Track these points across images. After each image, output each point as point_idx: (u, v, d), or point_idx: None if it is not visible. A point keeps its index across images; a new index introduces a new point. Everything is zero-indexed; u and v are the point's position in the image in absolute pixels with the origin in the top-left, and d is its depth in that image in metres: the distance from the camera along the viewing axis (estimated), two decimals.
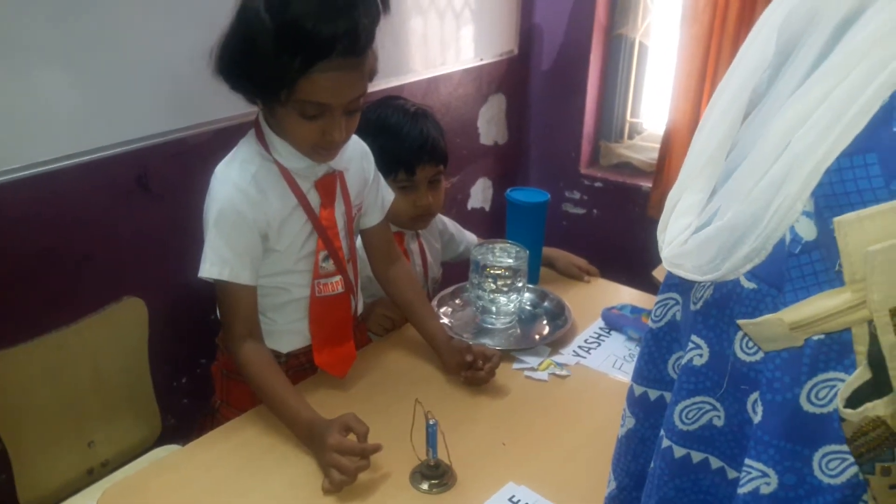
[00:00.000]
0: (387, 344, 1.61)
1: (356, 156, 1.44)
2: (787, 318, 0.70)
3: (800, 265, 0.72)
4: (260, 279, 1.36)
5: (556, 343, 1.59)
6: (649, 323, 0.97)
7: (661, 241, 0.88)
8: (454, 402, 1.41)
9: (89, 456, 1.64)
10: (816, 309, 0.69)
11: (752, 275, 0.77)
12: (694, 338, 0.84)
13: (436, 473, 1.21)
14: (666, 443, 0.89)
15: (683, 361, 0.86)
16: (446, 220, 1.93)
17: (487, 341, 1.58)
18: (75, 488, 1.60)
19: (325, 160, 1.33)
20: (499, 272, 1.60)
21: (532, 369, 1.51)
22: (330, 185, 1.37)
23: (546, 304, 1.74)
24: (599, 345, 1.62)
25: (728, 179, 0.80)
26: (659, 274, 1.94)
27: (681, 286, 0.91)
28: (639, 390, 0.99)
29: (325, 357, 1.42)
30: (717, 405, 0.84)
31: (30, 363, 1.50)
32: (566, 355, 1.57)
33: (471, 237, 1.97)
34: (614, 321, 1.66)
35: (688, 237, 0.84)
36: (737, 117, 0.82)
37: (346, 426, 1.21)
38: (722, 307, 0.81)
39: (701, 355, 0.84)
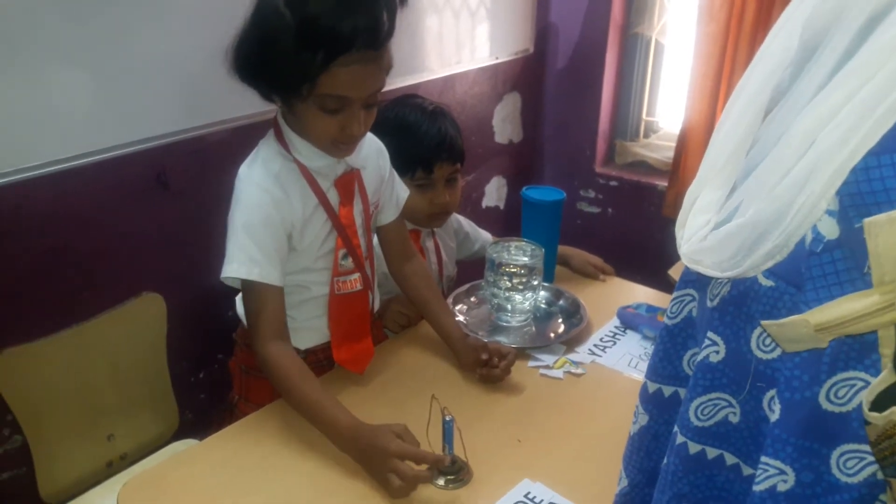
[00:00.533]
0: (402, 340, 1.62)
1: (372, 153, 1.45)
2: (813, 320, 0.70)
3: (821, 264, 0.72)
4: None
5: (571, 341, 1.59)
6: (664, 319, 0.97)
7: (680, 236, 0.88)
8: (470, 398, 1.42)
9: (108, 449, 1.66)
10: (843, 311, 0.68)
11: (770, 273, 0.77)
12: (710, 334, 0.85)
13: (452, 469, 1.22)
14: (681, 439, 0.89)
15: (699, 358, 0.86)
16: (461, 218, 1.94)
17: (503, 339, 1.59)
18: (95, 481, 1.63)
19: (344, 155, 1.34)
20: (514, 270, 1.60)
21: (547, 367, 1.52)
22: (349, 184, 1.38)
23: (561, 302, 1.74)
24: (615, 343, 1.62)
25: (749, 176, 0.80)
26: (675, 273, 1.94)
27: (698, 282, 0.91)
28: (653, 387, 0.99)
29: (343, 354, 1.43)
30: (733, 402, 0.84)
31: (49, 358, 1.52)
32: (581, 354, 1.57)
33: (486, 236, 1.98)
34: (630, 320, 1.67)
35: (707, 233, 0.85)
36: (758, 114, 0.82)
37: (399, 433, 1.19)
38: (739, 304, 0.81)
39: (717, 352, 0.84)
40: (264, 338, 1.31)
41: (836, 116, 0.69)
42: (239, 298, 1.50)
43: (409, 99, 1.71)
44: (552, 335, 1.64)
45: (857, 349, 0.71)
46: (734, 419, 0.85)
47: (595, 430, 1.35)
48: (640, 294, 1.84)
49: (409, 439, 1.19)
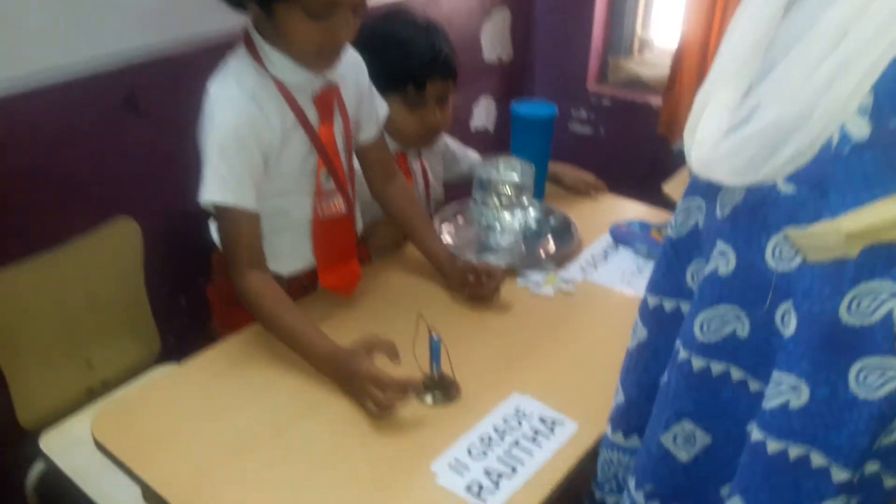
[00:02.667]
0: (388, 263, 1.57)
1: (350, 68, 1.36)
2: (845, 228, 0.65)
3: (847, 167, 0.66)
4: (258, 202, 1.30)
5: (561, 260, 1.55)
6: (668, 231, 0.92)
7: (690, 143, 0.82)
8: (458, 318, 1.38)
9: (88, 376, 1.62)
10: (878, 217, 0.64)
11: (792, 178, 0.71)
12: (720, 244, 0.79)
13: (439, 386, 1.18)
14: (683, 355, 0.85)
15: (707, 270, 0.81)
16: (448, 138, 1.86)
17: (491, 259, 1.54)
18: (75, 407, 1.59)
19: (327, 66, 1.25)
20: (503, 189, 1.54)
21: (538, 285, 1.47)
22: (328, 101, 1.30)
23: (552, 220, 1.69)
24: (606, 260, 1.57)
25: (766, 77, 0.73)
26: (670, 189, 1.88)
27: (706, 191, 0.86)
28: (653, 301, 0.95)
29: (330, 278, 1.38)
30: (742, 314, 0.80)
31: (22, 283, 1.47)
32: (572, 271, 1.53)
33: (474, 156, 1.91)
34: (622, 237, 1.62)
35: (720, 139, 0.78)
36: (777, 9, 0.75)
37: (369, 347, 1.17)
38: (754, 213, 0.76)
39: (727, 263, 0.79)
40: (241, 266, 1.26)
41: (871, 6, 0.62)
42: (212, 223, 1.44)
43: (399, 14, 1.61)
44: (542, 254, 1.59)
45: (884, 257, 0.66)
46: (742, 333, 0.81)
47: (586, 345, 1.31)
48: (633, 211, 1.78)
49: (382, 346, 1.16)
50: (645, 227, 1.62)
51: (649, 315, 0.95)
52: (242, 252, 1.25)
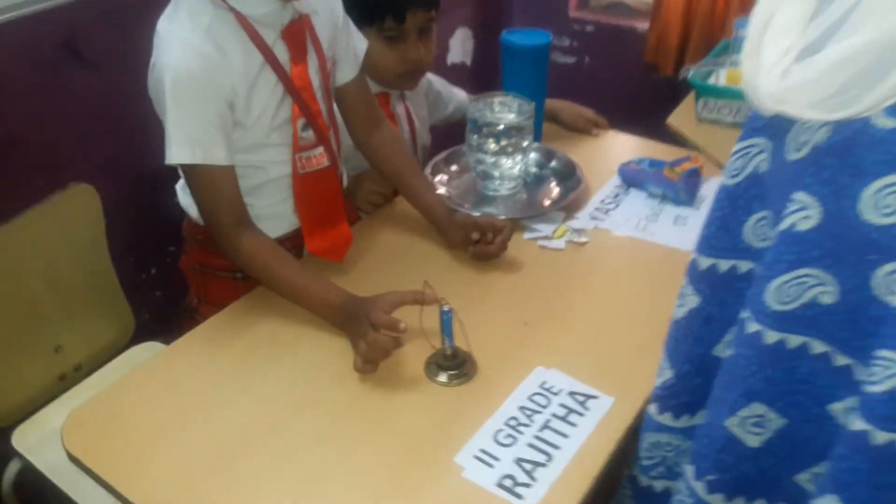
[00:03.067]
0: (378, 221, 1.42)
1: None
2: None
3: None
4: None
5: (569, 207, 1.41)
6: (723, 179, 0.78)
7: (752, 70, 0.68)
8: (463, 281, 1.24)
9: (58, 361, 1.49)
10: None
11: (893, 110, 0.58)
12: (798, 195, 0.66)
13: (454, 363, 1.05)
14: (753, 327, 0.72)
15: (782, 227, 0.68)
16: (431, 76, 1.69)
17: (491, 211, 1.40)
18: (49, 397, 1.46)
19: None
20: (501, 130, 1.38)
21: (546, 238, 1.34)
22: (299, 35, 1.13)
23: (553, 163, 1.54)
24: (618, 205, 1.44)
25: None
26: (677, 122, 1.74)
27: (771, 129, 0.72)
28: (705, 262, 0.82)
29: (317, 242, 1.23)
30: (829, 278, 0.67)
31: None
32: (582, 219, 1.39)
33: (460, 94, 1.74)
34: (633, 177, 1.48)
35: (789, 64, 0.64)
36: None
37: (394, 303, 1.06)
38: (843, 154, 0.62)
39: (808, 217, 0.65)
40: (226, 227, 1.12)
41: None
42: (180, 187, 1.28)
43: None
44: (547, 202, 1.45)
45: None
46: (827, 300, 0.68)
47: (608, 305, 1.19)
48: (640, 148, 1.65)
49: (407, 297, 1.06)
50: (656, 164, 1.49)
51: (701, 278, 0.83)
52: (224, 212, 1.12)
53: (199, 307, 1.33)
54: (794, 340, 0.71)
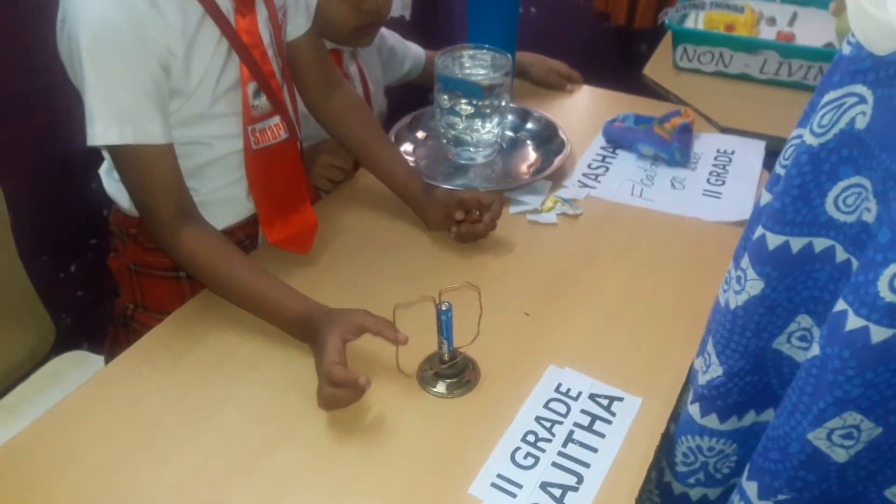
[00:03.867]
0: (340, 201, 1.23)
1: None
2: None
3: None
4: None
5: (555, 175, 1.25)
6: (806, 138, 0.63)
7: None
8: (448, 267, 1.08)
9: None
10: None
11: None
12: None
13: (453, 370, 0.89)
14: (856, 322, 0.58)
15: None
16: (383, 30, 1.49)
17: (466, 182, 1.24)
18: None
19: None
20: (476, 89, 1.21)
21: (536, 211, 1.18)
22: None
23: (530, 125, 1.38)
24: (607, 169, 1.29)
25: None
26: (652, 72, 1.59)
27: (878, 73, 0.57)
28: (775, 241, 0.67)
29: (278, 231, 1.04)
30: None
31: None
32: (571, 188, 1.24)
33: (417, 50, 1.56)
34: (620, 137, 1.33)
35: None
36: None
37: (358, 329, 0.86)
38: None
39: None
40: (164, 219, 0.92)
41: None
42: (104, 171, 1.07)
43: None
44: (527, 169, 1.29)
45: None
46: None
47: (617, 286, 1.05)
48: (620, 103, 1.50)
49: (374, 327, 0.86)
50: (642, 120, 1.34)
51: (768, 259, 0.68)
52: (162, 201, 0.92)
53: (136, 314, 1.12)
54: None
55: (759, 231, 0.68)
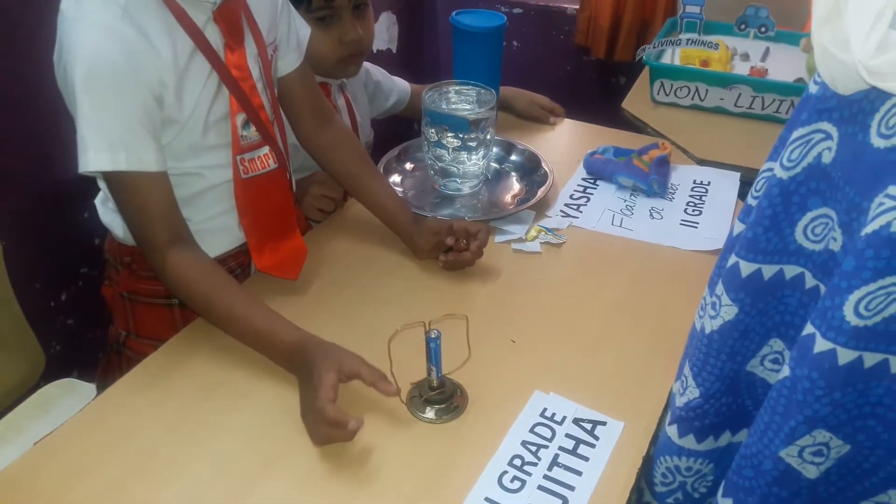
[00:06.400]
0: (330, 230, 1.26)
1: None
2: None
3: None
4: None
5: (539, 205, 1.29)
6: (777, 171, 0.67)
7: (831, 39, 0.57)
8: (437, 295, 1.11)
9: None
10: None
11: None
12: (893, 190, 0.55)
13: (442, 396, 0.92)
14: (824, 345, 0.62)
15: (871, 228, 0.57)
16: (368, 64, 1.54)
17: (452, 212, 1.28)
18: None
19: None
20: (461, 123, 1.25)
21: (520, 240, 1.22)
22: (233, 16, 0.97)
23: (514, 157, 1.43)
24: (588, 199, 1.33)
25: None
26: (631, 106, 1.65)
27: (843, 111, 0.61)
28: (748, 268, 0.71)
29: (267, 258, 1.07)
30: None
31: None
32: (554, 218, 1.28)
33: (402, 84, 1.60)
34: (601, 168, 1.37)
35: (884, 32, 0.53)
36: None
37: (351, 375, 0.87)
38: None
39: None
40: (157, 245, 0.95)
41: None
42: (100, 201, 1.09)
43: None
44: (512, 199, 1.33)
45: None
46: None
47: (599, 313, 1.08)
48: (599, 135, 1.55)
49: (367, 377, 0.87)
50: (621, 152, 1.39)
51: (741, 286, 0.72)
52: (155, 228, 0.94)
53: (129, 341, 1.14)
54: (872, 358, 0.61)
55: (733, 259, 0.72)
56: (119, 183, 0.93)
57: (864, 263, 0.58)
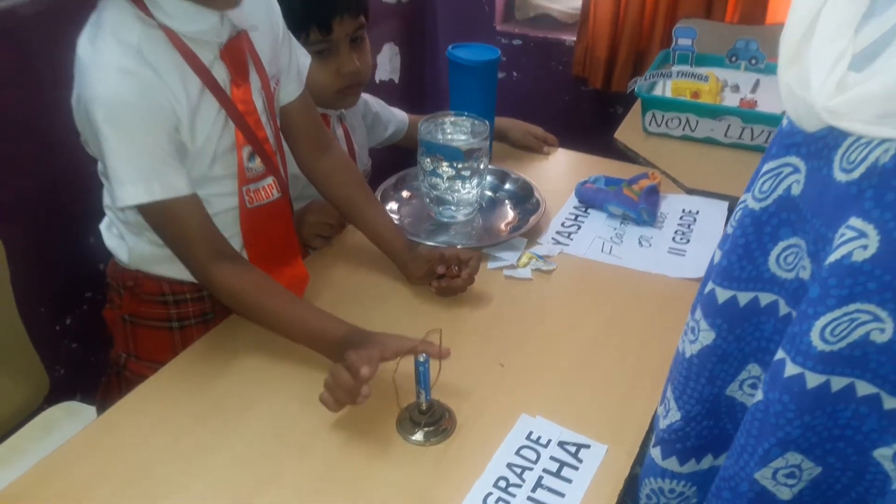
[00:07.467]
0: (328, 256, 1.29)
1: (260, 5, 1.06)
2: None
3: None
4: None
5: (531, 232, 1.32)
6: (749, 203, 0.70)
7: (795, 79, 0.60)
8: (428, 320, 1.13)
9: None
10: None
11: None
12: (855, 221, 0.58)
13: (430, 419, 0.94)
14: (794, 369, 0.65)
15: (835, 257, 0.60)
16: (367, 96, 1.58)
17: (447, 239, 1.30)
18: None
19: (230, 4, 0.96)
20: (456, 153, 1.29)
21: (512, 267, 1.25)
22: (238, 53, 1.01)
23: (508, 185, 1.46)
24: (580, 227, 1.36)
25: None
26: (624, 137, 1.68)
27: (809, 146, 0.64)
28: (724, 295, 0.74)
29: None
30: (883, 315, 0.60)
31: None
32: (546, 245, 1.31)
33: (400, 115, 1.64)
34: (592, 197, 1.41)
35: (844, 73, 0.57)
36: None
37: (395, 350, 0.93)
38: None
39: (865, 247, 0.58)
40: (203, 262, 1.00)
41: None
42: (105, 226, 1.13)
43: None
44: (505, 227, 1.36)
45: None
46: (880, 337, 0.61)
47: (586, 339, 1.11)
48: (592, 165, 1.58)
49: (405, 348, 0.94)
50: (612, 182, 1.42)
51: (718, 312, 0.75)
52: (199, 248, 1.00)
53: (129, 364, 1.17)
54: (839, 382, 0.64)
55: (710, 286, 0.75)
56: (156, 211, 0.97)
57: (829, 291, 0.61)
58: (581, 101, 2.59)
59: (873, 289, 0.59)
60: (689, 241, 1.32)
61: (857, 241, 0.58)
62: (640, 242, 1.32)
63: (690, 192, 1.48)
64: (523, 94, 2.66)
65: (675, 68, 1.69)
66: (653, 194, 1.40)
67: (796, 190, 0.66)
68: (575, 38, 2.48)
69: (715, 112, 1.60)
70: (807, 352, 0.63)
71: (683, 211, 1.41)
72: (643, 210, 1.35)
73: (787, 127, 0.68)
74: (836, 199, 0.61)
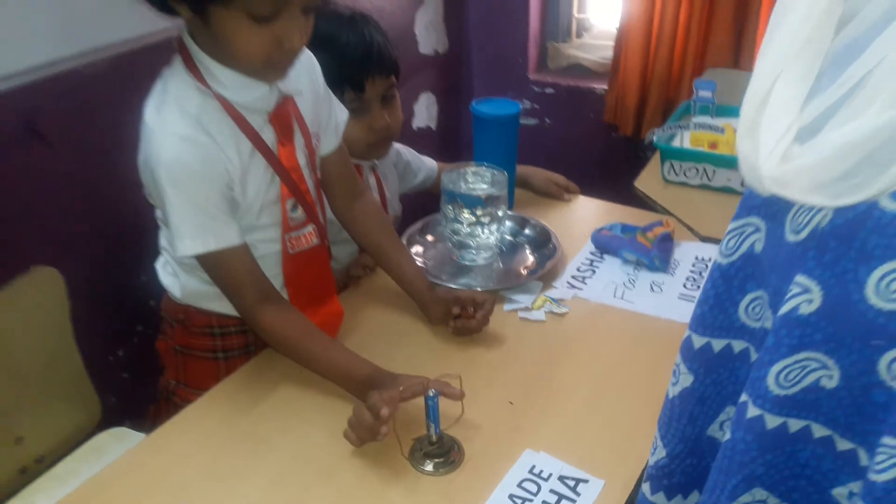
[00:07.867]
0: (361, 296, 1.39)
1: (303, 71, 1.18)
2: None
3: None
4: None
5: (546, 276, 1.40)
6: (717, 257, 0.78)
7: (750, 149, 0.68)
8: (445, 358, 1.22)
9: (19, 454, 1.40)
10: None
11: None
12: (800, 278, 0.65)
13: (440, 451, 1.02)
14: (754, 411, 0.71)
15: (783, 310, 0.67)
16: (399, 145, 1.69)
17: (468, 281, 1.39)
18: (9, 491, 1.37)
19: (278, 77, 1.08)
20: (476, 201, 1.38)
21: (526, 309, 1.33)
22: (285, 117, 1.12)
23: (527, 231, 1.55)
24: (594, 272, 1.44)
25: (854, 63, 0.59)
26: (644, 185, 1.76)
27: (767, 209, 0.72)
28: (699, 341, 0.81)
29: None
30: (830, 363, 0.66)
31: None
32: (560, 288, 1.38)
33: (429, 163, 1.74)
34: (607, 244, 1.48)
35: (787, 146, 0.64)
36: None
37: (414, 392, 1.03)
38: (847, 238, 0.62)
39: (810, 301, 0.65)
40: (251, 305, 1.12)
41: None
42: (161, 266, 1.25)
43: (320, 7, 1.42)
44: (523, 271, 1.44)
45: None
46: (829, 384, 0.67)
47: (593, 380, 1.18)
48: (610, 212, 1.66)
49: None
50: (628, 230, 1.50)
51: (695, 357, 0.82)
52: (247, 292, 1.12)
53: (178, 391, 1.28)
54: (796, 424, 0.70)
55: (687, 332, 0.82)
56: (211, 260, 1.09)
57: (781, 340, 0.68)
58: (612, 148, 2.67)
59: (819, 339, 0.65)
60: (699, 287, 1.38)
61: (802, 295, 0.65)
62: (651, 288, 1.39)
63: (705, 239, 1.54)
64: (556, 140, 2.74)
65: (694, 119, 1.77)
66: (666, 241, 1.46)
67: (758, 247, 0.74)
68: (606, 87, 2.56)
69: (732, 162, 1.66)
70: (765, 395, 0.70)
71: (696, 258, 1.47)
72: (655, 257, 1.42)
73: (748, 190, 0.75)
74: (787, 256, 0.68)
